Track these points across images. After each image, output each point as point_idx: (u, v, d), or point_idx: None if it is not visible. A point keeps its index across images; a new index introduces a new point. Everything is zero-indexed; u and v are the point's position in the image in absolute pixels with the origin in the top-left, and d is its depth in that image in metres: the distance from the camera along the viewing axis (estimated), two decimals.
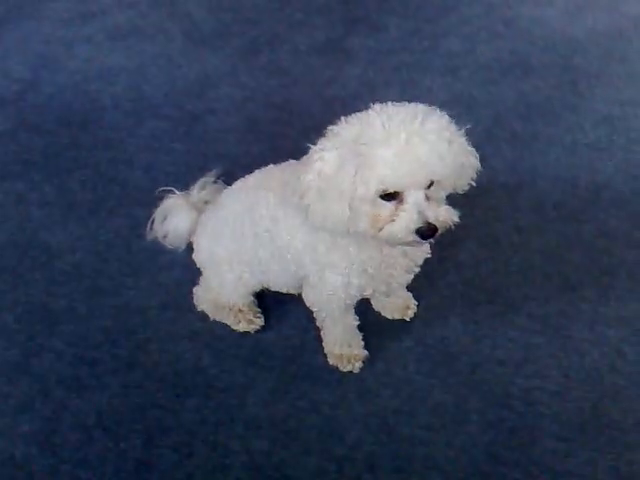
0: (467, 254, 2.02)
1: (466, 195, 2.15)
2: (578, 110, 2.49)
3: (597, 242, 2.03)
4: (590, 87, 2.59)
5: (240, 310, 1.88)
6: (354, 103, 2.51)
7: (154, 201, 2.03)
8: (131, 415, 1.73)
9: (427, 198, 1.34)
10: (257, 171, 1.76)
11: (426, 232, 1.33)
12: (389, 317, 1.89)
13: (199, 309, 1.93)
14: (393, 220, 1.34)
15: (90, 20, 3.17)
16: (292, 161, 1.65)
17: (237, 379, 1.79)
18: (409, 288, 1.88)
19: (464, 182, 1.50)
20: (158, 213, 1.99)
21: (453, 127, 1.41)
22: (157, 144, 2.51)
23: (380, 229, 1.36)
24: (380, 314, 1.90)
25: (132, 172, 2.39)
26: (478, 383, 1.73)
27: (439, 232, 1.36)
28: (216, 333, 1.89)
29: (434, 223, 1.33)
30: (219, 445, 1.66)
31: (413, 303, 1.90)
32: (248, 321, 1.88)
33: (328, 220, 1.39)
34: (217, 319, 1.91)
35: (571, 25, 2.90)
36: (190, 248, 1.94)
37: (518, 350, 1.79)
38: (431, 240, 1.37)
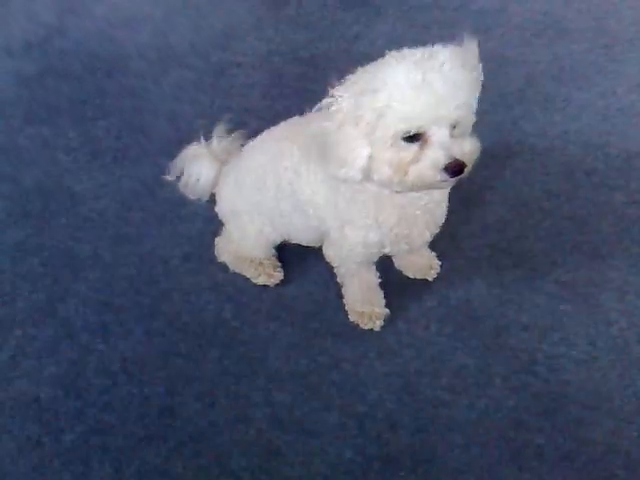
0: (494, 216, 2.00)
1: (495, 156, 2.15)
2: (611, 75, 2.43)
3: (628, 210, 2.00)
4: (624, 52, 2.52)
5: (260, 263, 1.88)
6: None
7: (178, 151, 2.02)
8: (154, 362, 1.75)
9: (453, 136, 1.30)
10: (282, 123, 1.73)
11: (454, 168, 1.29)
12: (411, 276, 1.88)
13: (220, 260, 1.92)
14: (418, 162, 1.31)
15: None
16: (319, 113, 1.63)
17: (259, 332, 1.80)
18: (432, 248, 1.87)
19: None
20: (179, 161, 1.98)
21: (470, 57, 1.37)
22: (182, 94, 2.48)
23: (405, 173, 1.32)
24: (402, 273, 1.89)
25: (156, 121, 2.37)
26: (502, 347, 1.73)
27: (467, 167, 1.32)
28: (238, 285, 1.89)
29: (461, 159, 1.29)
30: (241, 396, 1.68)
31: (436, 263, 1.88)
32: (268, 274, 1.88)
33: (349, 166, 1.36)
34: (237, 271, 1.91)
35: None
36: (213, 199, 1.94)
37: (544, 316, 1.78)
38: (461, 176, 1.32)
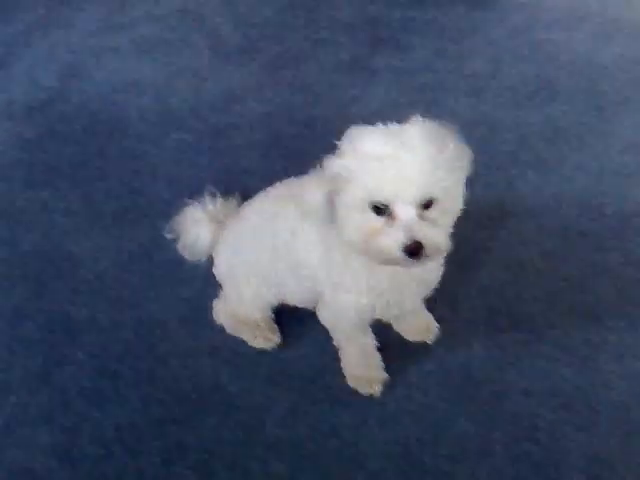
0: (491, 278, 2.00)
1: (490, 217, 2.17)
2: (605, 136, 2.47)
3: (624, 271, 2.00)
4: (617, 113, 2.57)
5: (258, 326, 1.87)
6: (377, 121, 2.55)
7: (177, 213, 2.04)
8: (150, 430, 1.72)
9: (422, 218, 1.30)
10: (278, 183, 1.76)
11: (411, 250, 1.28)
12: (410, 339, 1.87)
13: (218, 323, 1.92)
14: (380, 235, 1.31)
15: (118, 31, 3.19)
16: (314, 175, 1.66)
17: (256, 398, 1.77)
18: (430, 310, 1.87)
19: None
20: (177, 223, 1.99)
21: (449, 136, 1.36)
22: (181, 157, 2.51)
23: (368, 243, 1.33)
24: (400, 336, 1.88)
25: (156, 184, 2.40)
26: (502, 413, 1.70)
27: (426, 253, 1.29)
28: (235, 349, 1.88)
29: (422, 241, 1.28)
30: (238, 466, 1.65)
31: (435, 325, 1.88)
32: (265, 337, 1.87)
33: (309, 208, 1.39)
34: (235, 334, 1.90)
35: (598, 50, 2.89)
36: (211, 261, 1.94)
37: (544, 380, 1.76)
38: (418, 260, 1.30)
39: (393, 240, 1.29)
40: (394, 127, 1.36)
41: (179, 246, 2.00)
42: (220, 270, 1.90)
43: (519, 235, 2.12)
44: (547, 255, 2.06)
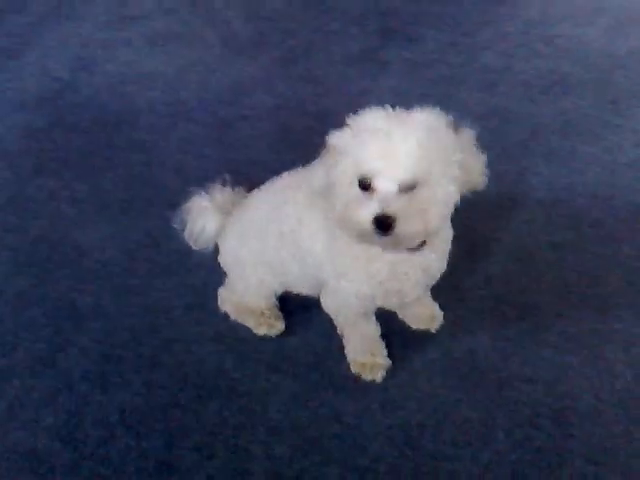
0: (499, 268, 1.99)
1: (500, 207, 2.15)
2: (618, 129, 2.45)
3: (634, 263, 1.98)
4: (630, 107, 2.55)
5: (262, 313, 1.87)
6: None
7: (184, 203, 2.04)
8: (153, 414, 1.72)
9: (403, 198, 1.29)
10: (285, 173, 1.76)
11: (380, 221, 1.28)
12: (414, 327, 1.86)
13: (222, 310, 1.92)
14: (357, 206, 1.32)
15: (129, 24, 3.21)
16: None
17: (259, 383, 1.77)
18: (435, 299, 1.87)
19: (471, 184, 1.42)
20: (184, 213, 1.99)
21: (444, 123, 1.37)
22: (189, 148, 2.52)
23: (345, 214, 1.34)
24: (405, 324, 1.87)
25: (163, 174, 2.40)
26: (506, 400, 1.69)
27: (397, 230, 1.29)
28: (240, 336, 1.88)
29: (393, 215, 1.28)
30: (240, 449, 1.64)
31: (439, 314, 1.86)
32: (269, 325, 1.86)
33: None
34: (239, 321, 1.90)
35: (612, 45, 2.87)
36: (217, 250, 1.94)
37: (549, 369, 1.74)
38: (388, 235, 1.30)
39: (366, 211, 1.30)
40: (403, 111, 1.38)
41: (185, 235, 2.00)
42: (226, 258, 1.90)
43: (529, 226, 2.11)
44: (557, 246, 2.05)
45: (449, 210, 1.39)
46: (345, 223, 1.37)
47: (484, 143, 2.33)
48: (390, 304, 1.66)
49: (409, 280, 1.54)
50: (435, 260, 1.55)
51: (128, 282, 2.04)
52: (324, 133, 2.49)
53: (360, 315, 1.68)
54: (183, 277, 2.04)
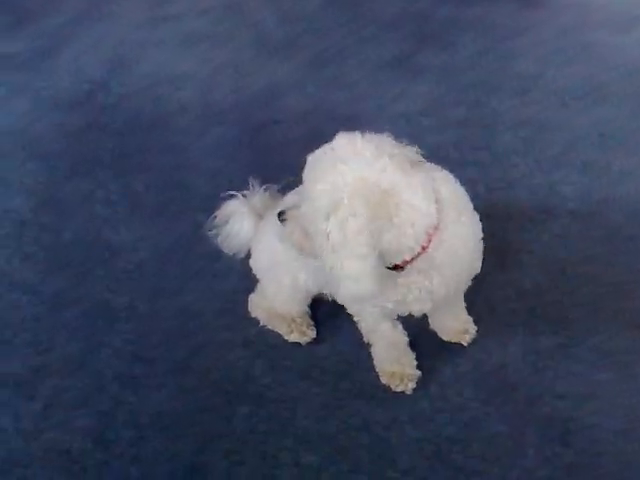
0: (531, 281, 1.97)
1: (533, 220, 2.14)
2: None
3: None
4: None
5: (293, 320, 1.88)
6: (420, 120, 2.56)
7: (217, 207, 2.06)
8: (183, 418, 1.74)
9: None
10: None
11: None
12: (445, 339, 1.86)
13: (253, 316, 1.93)
14: None
15: (163, 24, 3.23)
16: None
17: (289, 391, 1.78)
18: (468, 311, 1.85)
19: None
20: (219, 216, 2.01)
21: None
22: (222, 151, 2.53)
23: None
24: (434, 334, 1.85)
25: (196, 178, 2.42)
26: (536, 416, 1.68)
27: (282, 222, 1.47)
28: (270, 342, 1.89)
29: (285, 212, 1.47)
30: (269, 456, 1.66)
31: (473, 328, 1.85)
32: (301, 332, 1.87)
33: None
34: (270, 327, 1.90)
35: None
36: (248, 255, 1.95)
37: (580, 385, 1.73)
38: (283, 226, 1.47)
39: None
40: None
41: (219, 239, 2.02)
42: (258, 262, 1.90)
43: (562, 239, 2.08)
44: (590, 260, 2.02)
45: None
46: None
47: (517, 153, 2.35)
48: (403, 313, 1.65)
49: (411, 293, 1.52)
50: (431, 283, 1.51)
51: (160, 285, 2.07)
52: None
53: (380, 320, 1.67)
54: (213, 282, 2.06)
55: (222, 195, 2.06)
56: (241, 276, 2.01)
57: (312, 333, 1.87)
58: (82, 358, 1.88)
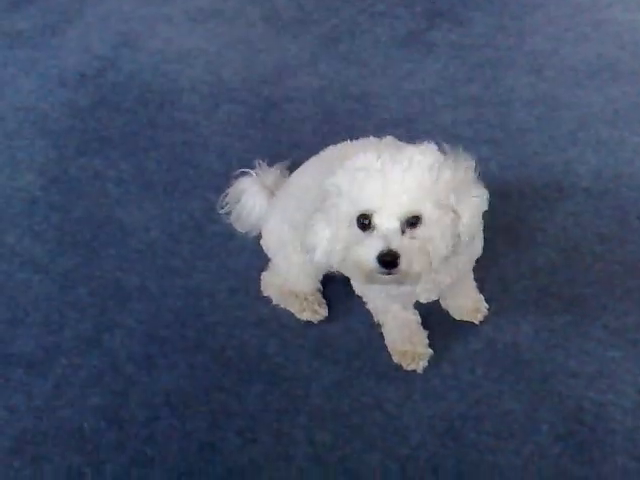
0: (544, 259, 1.96)
1: (546, 198, 2.12)
2: None
3: None
4: None
5: (305, 298, 1.87)
6: (433, 98, 2.54)
7: (227, 185, 2.07)
8: (197, 396, 1.75)
9: (405, 234, 1.31)
10: (331, 146, 1.77)
11: (385, 258, 1.29)
12: (457, 318, 1.85)
13: (265, 294, 1.93)
14: (358, 245, 1.33)
15: (172, 1, 3.18)
16: (372, 138, 1.69)
17: (302, 369, 1.78)
18: (480, 289, 1.85)
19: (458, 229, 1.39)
20: (232, 194, 2.01)
21: (443, 159, 1.36)
22: (232, 129, 2.51)
23: (346, 254, 1.35)
24: (446, 312, 1.85)
25: (207, 156, 2.40)
26: (549, 393, 1.68)
27: (402, 266, 1.29)
28: (282, 321, 1.89)
29: (397, 251, 1.28)
30: (283, 434, 1.66)
31: (484, 306, 1.84)
32: (312, 310, 1.86)
33: (313, 251, 1.44)
34: (282, 306, 1.90)
35: None
36: (259, 235, 1.95)
37: (593, 363, 1.73)
38: (393, 272, 1.31)
39: (369, 248, 1.31)
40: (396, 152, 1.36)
41: (232, 217, 2.02)
42: (269, 239, 1.88)
43: (575, 217, 2.07)
44: (603, 238, 2.01)
45: (449, 248, 1.38)
46: (348, 264, 1.36)
47: (531, 130, 2.33)
48: (411, 301, 1.66)
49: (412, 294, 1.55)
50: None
51: (172, 264, 2.06)
52: (367, 116, 2.51)
53: (389, 303, 1.68)
54: (225, 260, 2.05)
55: (234, 173, 2.06)
56: (253, 255, 2.01)
57: (324, 311, 1.87)
58: (94, 337, 1.88)
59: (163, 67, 2.81)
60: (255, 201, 1.95)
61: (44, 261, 2.09)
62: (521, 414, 1.65)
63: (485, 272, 1.85)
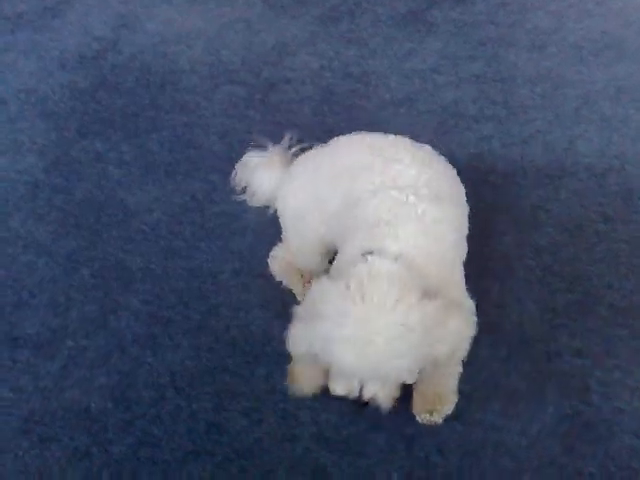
0: (548, 238, 1.96)
1: (550, 177, 2.11)
2: None
3: None
4: None
5: (308, 281, 1.86)
6: (434, 76, 2.52)
7: (228, 166, 2.07)
8: (202, 377, 1.75)
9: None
10: (364, 132, 1.77)
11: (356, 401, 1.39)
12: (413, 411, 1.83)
13: (271, 269, 1.92)
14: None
15: None
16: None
17: None
18: (485, 271, 1.84)
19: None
20: (242, 169, 2.03)
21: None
22: (232, 110, 2.49)
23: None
24: None
25: (207, 137, 2.39)
26: (555, 373, 1.69)
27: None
28: (287, 302, 1.87)
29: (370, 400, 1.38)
30: (288, 414, 1.67)
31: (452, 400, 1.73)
32: None
33: None
34: (284, 283, 1.90)
35: None
36: (261, 213, 1.97)
37: (598, 342, 1.73)
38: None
39: (340, 386, 1.41)
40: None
41: (247, 193, 2.05)
42: (287, 210, 1.84)
43: (579, 196, 2.07)
44: (607, 217, 2.01)
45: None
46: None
47: (534, 108, 2.32)
48: None
49: None
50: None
51: (175, 245, 2.06)
52: (368, 96, 2.49)
53: None
54: (229, 241, 2.05)
55: (233, 155, 2.05)
56: (256, 236, 2.01)
57: None
58: (100, 319, 1.88)
59: (163, 48, 2.79)
60: (265, 176, 1.96)
61: (48, 243, 2.08)
62: (527, 393, 1.66)
63: (489, 252, 1.85)
